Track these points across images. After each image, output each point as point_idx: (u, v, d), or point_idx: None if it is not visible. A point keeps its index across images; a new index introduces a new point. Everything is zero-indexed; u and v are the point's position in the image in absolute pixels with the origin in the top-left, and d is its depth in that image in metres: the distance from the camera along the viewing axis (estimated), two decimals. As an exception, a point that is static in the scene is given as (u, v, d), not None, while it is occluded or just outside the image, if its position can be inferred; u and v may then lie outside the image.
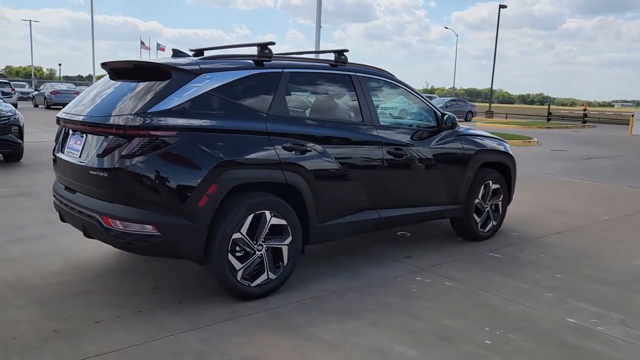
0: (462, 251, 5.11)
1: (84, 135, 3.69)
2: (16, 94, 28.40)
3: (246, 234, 3.63)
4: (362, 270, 4.47)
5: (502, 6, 37.40)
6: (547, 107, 40.38)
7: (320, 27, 18.02)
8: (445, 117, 4.91)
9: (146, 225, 3.35)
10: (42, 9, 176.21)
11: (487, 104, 41.51)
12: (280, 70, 3.99)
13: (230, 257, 3.57)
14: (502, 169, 5.63)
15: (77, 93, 30.46)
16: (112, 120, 3.41)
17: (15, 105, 26.96)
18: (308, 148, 3.92)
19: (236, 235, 3.58)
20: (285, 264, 3.87)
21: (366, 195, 4.35)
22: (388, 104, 5.57)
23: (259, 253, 3.73)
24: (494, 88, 40.04)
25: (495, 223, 5.59)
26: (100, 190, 3.45)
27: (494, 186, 5.50)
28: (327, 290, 4.00)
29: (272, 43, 3.93)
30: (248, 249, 3.68)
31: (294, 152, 3.83)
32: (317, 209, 4.00)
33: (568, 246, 5.40)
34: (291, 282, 4.02)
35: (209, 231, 3.48)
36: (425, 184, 4.84)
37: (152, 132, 3.33)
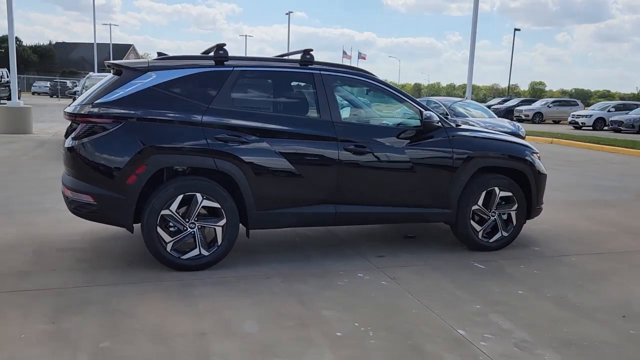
0: (447, 258, 4.86)
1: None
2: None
3: (176, 211, 4.13)
4: (319, 261, 4.61)
5: None
6: None
7: (475, 35, 17.43)
8: (426, 116, 4.74)
9: (85, 195, 4.08)
10: (273, 25, 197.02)
11: None
12: (231, 68, 4.40)
13: (159, 229, 4.10)
14: (518, 176, 5.15)
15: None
16: (73, 110, 4.22)
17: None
18: (246, 140, 4.25)
19: (165, 212, 4.10)
20: (219, 243, 4.26)
21: (318, 189, 4.49)
22: (365, 103, 5.49)
23: (191, 230, 4.19)
24: None
25: (505, 234, 5.14)
26: (66, 166, 4.29)
27: (503, 194, 5.07)
28: (259, 272, 4.28)
29: (224, 44, 4.39)
30: (179, 226, 4.16)
31: (229, 142, 4.21)
32: (256, 197, 4.30)
33: (584, 268, 4.73)
34: (235, 261, 4.40)
35: (138, 205, 4.06)
36: (397, 184, 4.75)
37: (93, 119, 4.06)
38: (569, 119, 28.68)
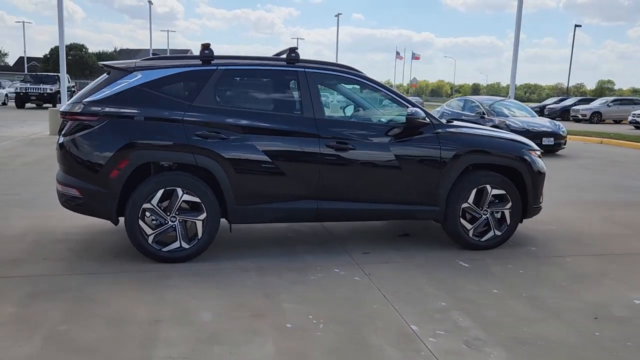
0: (433, 256, 4.80)
1: None
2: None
3: (157, 205, 4.30)
4: (301, 256, 4.67)
5: None
6: None
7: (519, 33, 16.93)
8: (410, 112, 4.71)
9: (73, 189, 4.32)
10: (330, 28, 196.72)
11: None
12: (215, 67, 4.54)
13: (140, 222, 4.29)
14: (513, 174, 5.03)
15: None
16: (64, 108, 4.48)
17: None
18: (225, 136, 4.38)
19: (146, 205, 4.28)
20: (199, 236, 4.41)
21: (300, 185, 4.55)
22: (356, 100, 5.45)
23: (172, 224, 4.35)
24: None
25: (498, 233, 5.02)
26: (57, 162, 4.55)
27: (496, 191, 4.95)
28: (238, 266, 4.38)
29: (208, 44, 4.54)
30: (161, 219, 4.34)
31: (209, 139, 4.35)
32: (236, 192, 4.41)
33: (574, 270, 4.56)
34: (219, 255, 4.54)
35: (121, 198, 4.26)
36: (381, 181, 4.74)
37: (79, 117, 4.30)
38: (629, 118, 27.18)
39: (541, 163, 5.21)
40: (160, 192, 4.29)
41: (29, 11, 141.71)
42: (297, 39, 58.55)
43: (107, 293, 3.74)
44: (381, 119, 5.07)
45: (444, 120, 5.08)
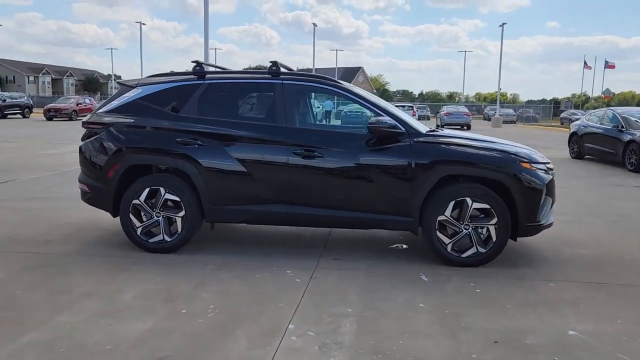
0: (400, 267, 4.72)
1: None
2: (416, 115, 33.30)
3: (145, 201, 4.97)
4: (270, 256, 4.95)
5: None
6: None
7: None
8: (372, 121, 4.72)
9: (85, 185, 5.20)
10: (520, 38, 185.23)
11: None
12: (201, 82, 5.09)
13: (131, 216, 4.99)
14: (502, 187, 4.70)
15: (467, 114, 32.96)
16: (85, 118, 5.40)
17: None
18: (202, 143, 4.88)
19: (136, 201, 4.96)
20: (179, 231, 4.97)
21: (269, 189, 4.86)
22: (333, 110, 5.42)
23: (157, 218, 4.98)
24: None
25: (482, 250, 4.72)
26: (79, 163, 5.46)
27: (478, 205, 4.68)
28: (204, 260, 4.81)
29: (198, 61, 5.12)
30: (147, 214, 4.99)
31: (188, 145, 4.90)
32: (210, 194, 4.89)
33: (543, 295, 4.15)
34: (201, 249, 5.06)
35: (117, 195, 5.02)
36: (349, 189, 4.80)
37: (91, 125, 5.17)
38: None
39: (540, 177, 4.77)
40: (147, 190, 4.94)
41: (234, 39, 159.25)
42: (465, 51, 56.97)
43: (81, 271, 4.47)
44: (353, 128, 5.12)
45: (425, 129, 4.96)
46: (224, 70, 5.47)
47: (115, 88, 55.89)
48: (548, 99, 66.86)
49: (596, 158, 14.33)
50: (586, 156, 14.78)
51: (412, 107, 34.10)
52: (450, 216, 4.73)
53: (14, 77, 73.38)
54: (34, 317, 3.52)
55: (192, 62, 5.15)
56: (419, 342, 3.27)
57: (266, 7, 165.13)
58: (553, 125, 41.44)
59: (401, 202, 4.76)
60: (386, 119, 4.76)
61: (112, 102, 5.23)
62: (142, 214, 5.01)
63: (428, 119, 46.31)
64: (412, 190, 4.72)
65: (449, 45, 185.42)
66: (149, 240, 5.00)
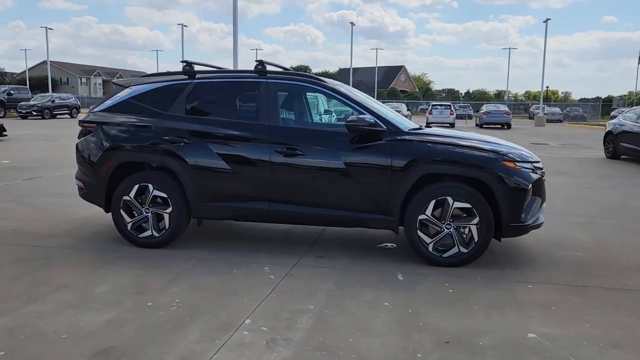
0: (379, 267, 4.69)
1: None
2: (454, 115, 32.77)
3: (134, 198, 5.12)
4: (254, 253, 5.00)
5: None
6: None
7: None
8: (349, 120, 4.72)
9: (80, 182, 5.41)
10: (574, 34, 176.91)
11: None
12: (190, 81, 5.21)
13: (122, 212, 5.15)
14: (485, 185, 4.61)
15: (508, 113, 32.13)
16: (81, 117, 5.61)
17: (452, 125, 31.35)
18: (187, 141, 5.00)
19: (126, 198, 5.13)
20: (167, 227, 5.10)
21: (252, 186, 4.92)
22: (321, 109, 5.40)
23: (146, 215, 5.13)
24: None
25: (464, 250, 4.64)
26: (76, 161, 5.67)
27: (459, 204, 4.60)
28: (188, 255, 4.92)
29: (187, 61, 5.23)
30: (137, 210, 5.15)
31: (174, 143, 5.02)
32: (196, 190, 5.00)
33: (514, 297, 4.06)
34: (187, 245, 5.19)
35: (108, 191, 5.19)
36: (330, 187, 4.81)
37: (85, 124, 5.37)
38: None
39: (525, 176, 4.65)
40: (136, 187, 5.09)
41: (279, 39, 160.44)
42: (510, 49, 55.28)
43: (67, 263, 4.65)
44: (337, 126, 5.11)
45: (408, 127, 4.92)
46: (214, 70, 5.57)
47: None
48: (603, 97, 64.14)
49: (632, 158, 13.74)
50: (622, 156, 14.19)
51: (449, 106, 33.49)
52: (432, 215, 4.67)
53: (67, 79, 76.44)
54: (6, 306, 3.69)
55: (181, 61, 5.27)
56: (368, 340, 3.26)
57: (311, 7, 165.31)
58: (601, 124, 39.87)
59: (382, 200, 4.74)
60: (366, 116, 4.74)
61: (105, 102, 5.42)
62: (133, 210, 5.16)
63: (470, 117, 45.48)
64: (393, 188, 4.69)
65: (498, 43, 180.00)
66: (139, 236, 5.15)
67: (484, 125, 32.02)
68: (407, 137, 4.77)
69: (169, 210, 5.05)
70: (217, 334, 3.31)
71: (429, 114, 33.23)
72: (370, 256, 5.00)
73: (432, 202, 4.64)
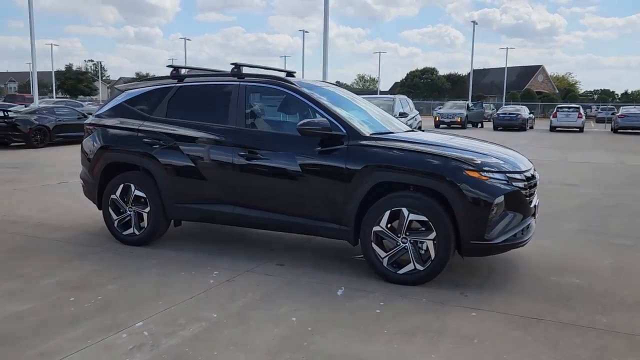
0: (328, 279, 4.43)
1: None
2: (582, 118, 29.88)
3: (119, 197, 5.39)
4: (220, 258, 5.00)
5: None
6: None
7: None
8: (300, 123, 4.51)
9: (82, 180, 5.82)
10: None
11: None
12: (172, 85, 5.36)
13: (110, 209, 5.46)
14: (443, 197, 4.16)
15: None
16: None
17: (581, 129, 28.78)
18: (163, 142, 5.15)
19: (113, 196, 5.42)
20: (145, 226, 5.30)
21: (218, 189, 4.93)
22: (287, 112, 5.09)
23: (129, 213, 5.38)
24: None
25: (420, 267, 4.21)
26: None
27: (417, 217, 4.18)
28: (172, 255, 5.04)
29: (173, 65, 5.40)
30: (122, 209, 5.41)
31: (152, 145, 5.20)
32: (169, 191, 5.13)
33: (443, 325, 3.59)
34: (175, 243, 5.36)
35: (100, 189, 5.53)
36: (286, 192, 4.65)
37: (88, 126, 5.76)
38: None
39: (491, 188, 4.10)
40: (121, 186, 5.36)
41: (417, 41, 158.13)
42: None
43: (44, 255, 5.00)
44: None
45: (367, 132, 4.58)
46: (200, 74, 5.67)
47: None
48: None
49: None
50: None
51: (577, 109, 30.50)
52: (387, 227, 4.30)
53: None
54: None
55: (168, 66, 5.44)
56: (233, 355, 3.10)
57: (451, 7, 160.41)
58: None
59: (336, 209, 4.48)
60: (319, 120, 4.50)
61: (105, 106, 5.78)
62: (120, 208, 5.43)
63: (610, 120, 41.06)
64: (347, 196, 4.41)
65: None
66: (123, 233, 5.41)
67: (618, 130, 28.72)
68: (365, 142, 4.45)
69: (148, 209, 5.23)
70: (97, 334, 3.35)
71: (553, 117, 30.62)
72: (332, 267, 4.74)
73: (387, 213, 4.28)
